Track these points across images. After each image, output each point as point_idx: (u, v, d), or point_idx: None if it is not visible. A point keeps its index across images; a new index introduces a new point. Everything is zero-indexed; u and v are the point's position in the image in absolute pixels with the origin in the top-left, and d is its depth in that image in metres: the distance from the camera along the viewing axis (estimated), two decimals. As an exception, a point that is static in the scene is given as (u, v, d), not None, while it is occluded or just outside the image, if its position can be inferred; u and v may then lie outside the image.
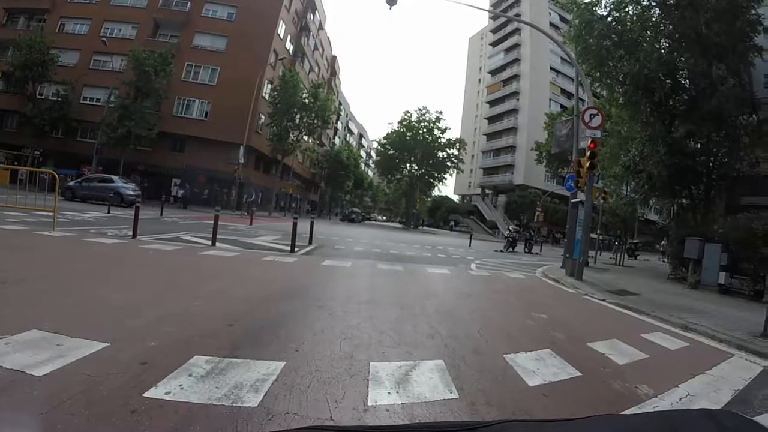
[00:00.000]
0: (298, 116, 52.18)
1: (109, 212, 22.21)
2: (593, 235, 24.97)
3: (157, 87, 44.03)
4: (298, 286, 8.84)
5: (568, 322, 7.98)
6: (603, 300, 11.34)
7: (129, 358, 3.92)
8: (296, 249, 15.30)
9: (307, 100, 52.47)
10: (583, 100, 21.18)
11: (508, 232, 31.93)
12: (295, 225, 15.76)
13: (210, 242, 14.30)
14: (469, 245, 30.69)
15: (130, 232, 13.86)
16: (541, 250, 33.01)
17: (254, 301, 7.06)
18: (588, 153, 15.12)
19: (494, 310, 8.72)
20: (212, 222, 14.72)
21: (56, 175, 14.04)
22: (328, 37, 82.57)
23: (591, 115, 15.29)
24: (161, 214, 26.18)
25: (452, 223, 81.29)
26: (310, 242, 18.45)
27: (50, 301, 5.64)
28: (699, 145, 20.09)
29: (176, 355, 4.11)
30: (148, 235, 14.81)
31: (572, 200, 17.88)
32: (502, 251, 28.99)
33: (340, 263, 13.31)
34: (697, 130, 18.86)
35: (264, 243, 17.36)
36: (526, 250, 31.03)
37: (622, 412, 3.59)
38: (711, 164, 19.60)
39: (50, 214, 14.08)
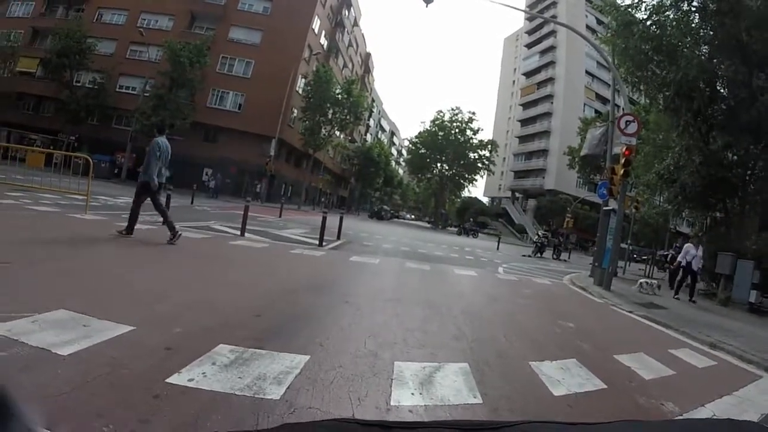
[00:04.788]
0: (330, 111, 52.11)
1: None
2: (623, 245, 24.54)
3: (192, 78, 44.51)
4: (326, 281, 8.90)
5: (595, 332, 7.89)
6: (630, 312, 11.15)
7: (154, 343, 3.95)
8: (324, 243, 15.32)
9: (340, 96, 52.40)
10: (618, 106, 20.81)
11: (536, 237, 31.55)
12: (324, 219, 15.70)
13: (239, 232, 14.42)
14: (497, 248, 30.47)
15: (161, 219, 13.98)
16: (569, 257, 32.67)
17: (281, 293, 7.13)
18: (622, 160, 14.90)
19: (521, 315, 8.63)
20: (242, 212, 14.81)
21: (90, 160, 14.25)
22: (362, 34, 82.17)
23: (627, 121, 15.09)
24: (192, 203, 26.41)
25: (469, 222, 66.67)
26: (339, 237, 18.39)
27: (79, 283, 5.69)
28: (736, 157, 19.57)
29: (201, 342, 4.12)
30: (178, 222, 14.78)
31: (604, 208, 17.56)
32: (530, 256, 28.72)
33: (368, 259, 13.47)
34: (735, 141, 18.31)
35: (292, 236, 17.48)
36: (555, 256, 30.72)
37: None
38: (747, 177, 19.03)
39: (84, 197, 14.21)
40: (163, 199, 12.06)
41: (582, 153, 22.59)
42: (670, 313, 11.84)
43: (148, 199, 10.40)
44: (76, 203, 15.00)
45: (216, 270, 8.40)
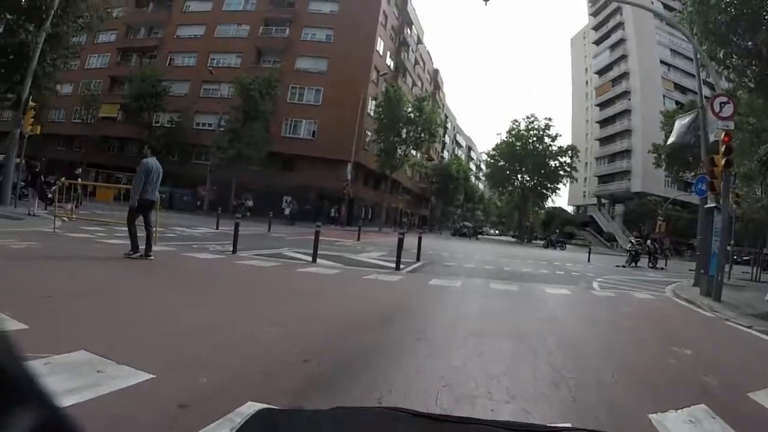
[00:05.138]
0: (404, 131, 51.77)
1: (217, 228, 22.59)
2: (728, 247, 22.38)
3: (264, 110, 45.35)
4: (398, 310, 7.88)
5: (718, 361, 6.48)
6: (750, 327, 9.59)
7: (169, 397, 3.28)
8: (402, 266, 14.27)
9: (412, 114, 51.99)
10: (710, 85, 19.23)
11: (630, 245, 29.52)
12: (400, 241, 14.68)
13: (311, 259, 13.72)
14: (588, 260, 28.60)
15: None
16: (666, 264, 30.40)
17: (342, 328, 6.24)
18: (722, 148, 13.38)
19: (626, 343, 7.28)
20: (322, 239, 14.25)
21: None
22: (428, 51, 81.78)
23: (721, 103, 13.39)
24: (269, 230, 26.31)
25: (556, 234, 60.63)
26: (418, 259, 17.38)
27: (114, 318, 5.40)
28: None
29: (225, 397, 3.38)
30: (250, 250, 14.58)
31: (705, 206, 15.75)
32: (624, 266, 26.69)
33: (449, 282, 12.30)
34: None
35: (368, 260, 16.72)
36: (651, 264, 28.63)
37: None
38: None
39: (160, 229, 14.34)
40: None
41: (669, 142, 20.78)
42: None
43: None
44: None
45: (273, 302, 7.77)
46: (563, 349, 6.13)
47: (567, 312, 9.89)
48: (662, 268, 28.17)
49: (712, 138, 16.77)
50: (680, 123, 19.61)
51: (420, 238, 18.98)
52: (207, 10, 55.55)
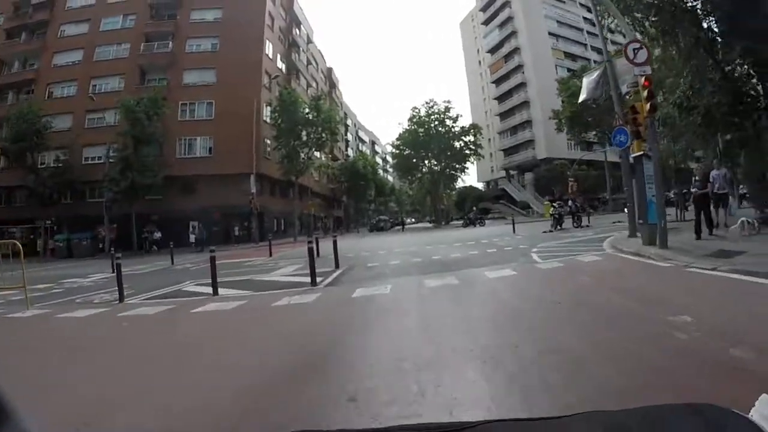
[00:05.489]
0: (304, 133, 50.23)
1: (113, 271, 20.17)
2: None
3: (153, 132, 42.47)
4: (316, 351, 5.81)
5: (724, 323, 5.33)
6: (714, 270, 8.88)
7: None
8: (319, 279, 12.40)
9: (309, 115, 50.54)
10: (598, 50, 19.19)
11: (552, 209, 29.33)
12: (311, 250, 12.60)
13: (212, 291, 11.61)
14: (514, 231, 27.77)
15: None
16: (589, 221, 30.33)
17: (231, 402, 4.19)
18: (645, 93, 12.67)
19: (613, 327, 5.75)
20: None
21: (19, 245, 11.89)
22: (319, 50, 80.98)
23: (634, 49, 13.07)
24: (172, 263, 23.69)
25: (473, 212, 60.17)
26: (337, 266, 15.40)
27: None
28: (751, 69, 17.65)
29: None
30: (142, 294, 12.55)
31: (632, 155, 14.89)
32: (551, 231, 26.54)
33: (376, 290, 10.34)
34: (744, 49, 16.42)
35: (281, 278, 14.74)
36: (576, 224, 28.58)
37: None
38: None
39: (30, 289, 12.04)
40: None
41: (580, 100, 20.65)
42: (753, 257, 9.51)
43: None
44: (31, 295, 12.22)
45: (142, 368, 5.67)
46: (545, 355, 4.77)
47: (523, 297, 8.55)
48: (587, 226, 28.44)
49: (624, 89, 16.50)
50: (588, 80, 19.48)
51: (335, 242, 16.96)
52: (84, 32, 50.91)
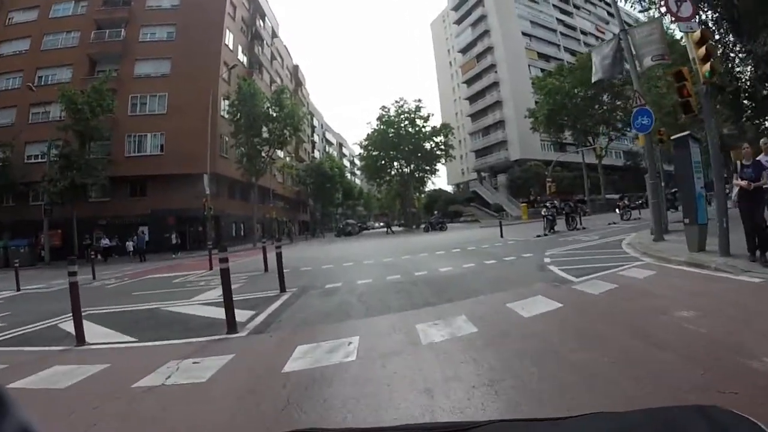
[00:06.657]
0: (264, 129, 46.95)
1: (18, 289, 16.54)
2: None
3: (98, 127, 38.08)
4: None
5: None
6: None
7: None
8: (248, 314, 8.54)
9: (271, 110, 47.27)
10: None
11: (545, 210, 26.28)
12: (225, 274, 7.59)
13: (82, 335, 7.40)
14: (501, 235, 24.41)
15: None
16: (581, 223, 27.23)
17: None
18: (701, 52, 9.45)
19: None
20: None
21: None
22: (285, 46, 78.07)
23: (677, 1, 10.07)
24: (94, 278, 19.52)
25: (435, 216, 55.95)
26: (283, 289, 11.14)
27: None
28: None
29: None
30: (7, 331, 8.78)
31: (675, 138, 11.53)
32: (545, 234, 23.65)
33: (331, 353, 5.65)
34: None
35: (198, 309, 9.98)
36: (571, 227, 25.70)
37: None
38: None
39: None
40: None
41: (594, 80, 17.66)
42: None
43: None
44: None
45: None
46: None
47: (637, 382, 4.04)
48: (583, 228, 25.95)
49: (648, 63, 13.72)
50: (599, 56, 16.55)
51: (279, 255, 12.17)
52: (33, 20, 46.32)
